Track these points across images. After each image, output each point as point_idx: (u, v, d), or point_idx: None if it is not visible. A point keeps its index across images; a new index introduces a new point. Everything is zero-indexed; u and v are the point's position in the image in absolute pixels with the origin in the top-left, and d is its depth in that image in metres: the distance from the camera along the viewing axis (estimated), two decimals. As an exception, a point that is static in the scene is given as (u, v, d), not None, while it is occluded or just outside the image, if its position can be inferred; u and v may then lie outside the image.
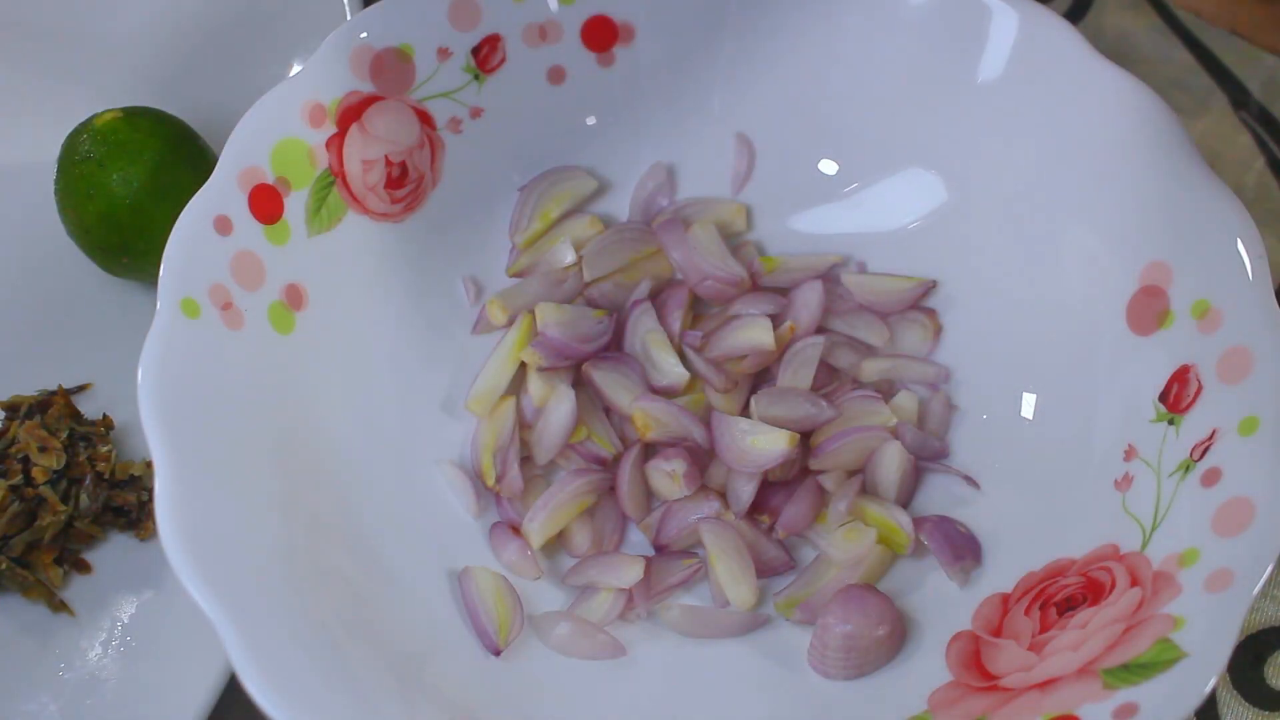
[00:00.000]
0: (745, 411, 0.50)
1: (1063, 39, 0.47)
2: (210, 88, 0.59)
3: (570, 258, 0.52)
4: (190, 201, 0.44)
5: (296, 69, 0.53)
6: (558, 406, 0.49)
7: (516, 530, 0.48)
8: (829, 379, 0.51)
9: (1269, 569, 0.38)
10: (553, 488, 0.48)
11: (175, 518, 0.39)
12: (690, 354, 0.50)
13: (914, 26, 0.50)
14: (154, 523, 0.41)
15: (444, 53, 0.50)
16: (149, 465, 0.52)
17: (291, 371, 0.46)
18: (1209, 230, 0.43)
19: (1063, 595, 0.43)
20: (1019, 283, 0.50)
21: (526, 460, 0.50)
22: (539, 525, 0.48)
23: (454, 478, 0.50)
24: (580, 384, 0.51)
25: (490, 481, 0.49)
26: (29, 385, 0.54)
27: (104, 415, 0.54)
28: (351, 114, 0.48)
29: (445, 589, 0.47)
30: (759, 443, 0.47)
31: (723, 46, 0.52)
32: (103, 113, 0.54)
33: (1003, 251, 0.50)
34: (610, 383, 0.50)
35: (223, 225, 0.44)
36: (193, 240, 0.43)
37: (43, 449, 0.51)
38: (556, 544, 0.49)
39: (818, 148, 0.54)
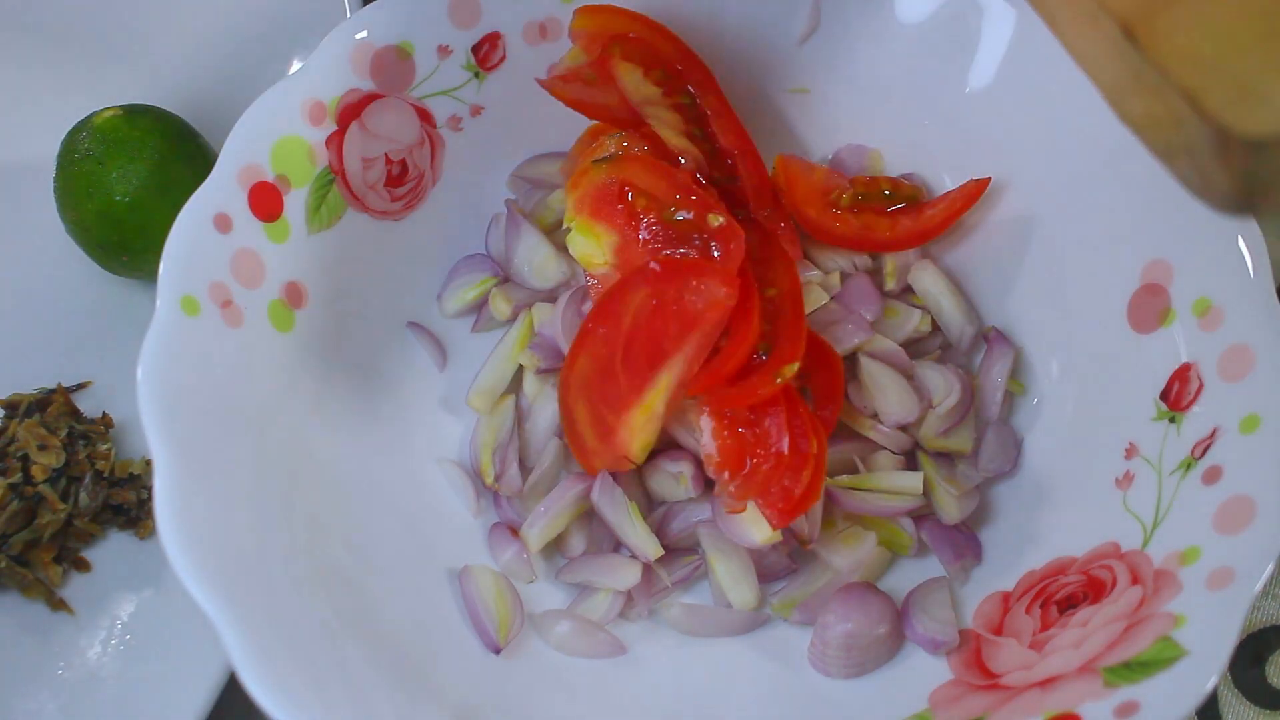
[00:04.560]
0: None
1: (1063, 37, 0.47)
2: (210, 85, 0.59)
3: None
4: (190, 199, 0.44)
5: (296, 67, 0.53)
6: (544, 407, 0.49)
7: (515, 532, 0.48)
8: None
9: (1270, 567, 0.38)
10: (553, 493, 0.48)
11: (175, 516, 0.38)
12: None
13: (914, 28, 0.50)
14: (153, 521, 0.41)
15: (444, 50, 0.49)
16: (148, 463, 0.52)
17: (291, 369, 0.46)
18: (1210, 228, 0.43)
19: (1064, 593, 0.43)
20: (1019, 280, 0.50)
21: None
22: (539, 531, 0.47)
23: (454, 476, 0.50)
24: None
25: (489, 480, 0.49)
26: (28, 383, 0.54)
27: (103, 413, 0.54)
28: (351, 112, 0.48)
29: (445, 588, 0.47)
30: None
31: (723, 45, 0.52)
32: (102, 110, 0.54)
33: (1003, 249, 0.50)
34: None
35: (222, 223, 0.44)
36: (192, 238, 0.43)
37: (42, 447, 0.51)
38: (556, 545, 0.49)
39: (818, 149, 0.54)
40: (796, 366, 0.44)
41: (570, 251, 0.49)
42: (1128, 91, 0.30)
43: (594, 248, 0.48)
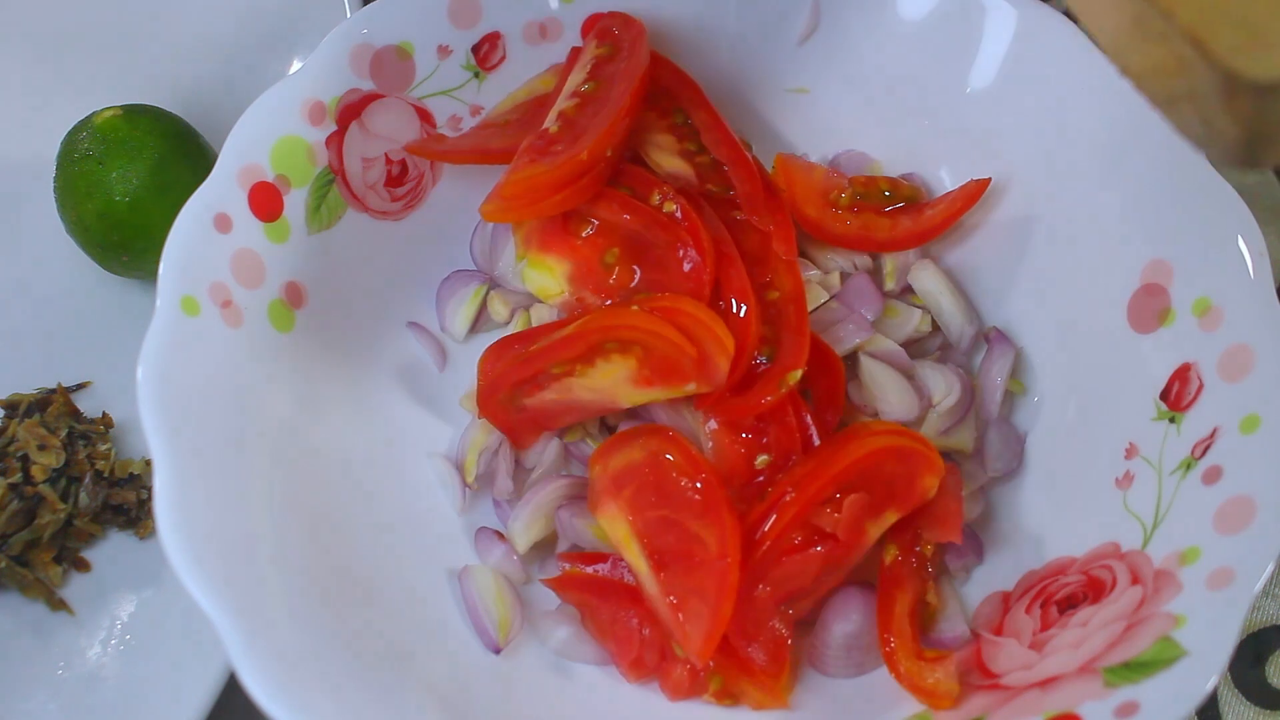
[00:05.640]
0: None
1: (1063, 36, 0.47)
2: (210, 85, 0.59)
3: None
4: (190, 199, 0.44)
5: (296, 67, 0.53)
6: None
7: (501, 536, 0.48)
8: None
9: (1270, 567, 0.38)
10: (532, 489, 0.48)
11: (174, 516, 0.38)
12: None
13: (914, 26, 0.50)
14: (153, 521, 0.41)
15: (444, 50, 0.49)
16: (148, 463, 0.52)
17: (291, 369, 0.46)
18: (1210, 228, 0.43)
19: (1064, 593, 0.43)
20: (1019, 280, 0.50)
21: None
22: (522, 526, 0.47)
23: (443, 471, 0.49)
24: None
25: (470, 478, 0.49)
26: (28, 383, 0.54)
27: (103, 413, 0.54)
28: (351, 112, 0.48)
29: (445, 588, 0.47)
30: None
31: (723, 45, 0.52)
32: (102, 110, 0.54)
33: (1003, 249, 0.50)
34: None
35: (222, 223, 0.44)
36: (192, 238, 0.43)
37: (42, 447, 0.51)
38: (554, 548, 0.49)
39: (818, 149, 0.54)
40: (800, 374, 0.44)
41: (527, 287, 0.49)
42: (1129, 40, 0.30)
43: (549, 279, 0.48)
